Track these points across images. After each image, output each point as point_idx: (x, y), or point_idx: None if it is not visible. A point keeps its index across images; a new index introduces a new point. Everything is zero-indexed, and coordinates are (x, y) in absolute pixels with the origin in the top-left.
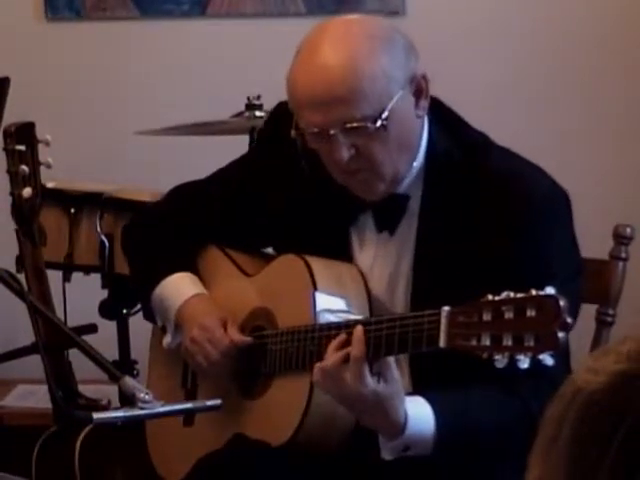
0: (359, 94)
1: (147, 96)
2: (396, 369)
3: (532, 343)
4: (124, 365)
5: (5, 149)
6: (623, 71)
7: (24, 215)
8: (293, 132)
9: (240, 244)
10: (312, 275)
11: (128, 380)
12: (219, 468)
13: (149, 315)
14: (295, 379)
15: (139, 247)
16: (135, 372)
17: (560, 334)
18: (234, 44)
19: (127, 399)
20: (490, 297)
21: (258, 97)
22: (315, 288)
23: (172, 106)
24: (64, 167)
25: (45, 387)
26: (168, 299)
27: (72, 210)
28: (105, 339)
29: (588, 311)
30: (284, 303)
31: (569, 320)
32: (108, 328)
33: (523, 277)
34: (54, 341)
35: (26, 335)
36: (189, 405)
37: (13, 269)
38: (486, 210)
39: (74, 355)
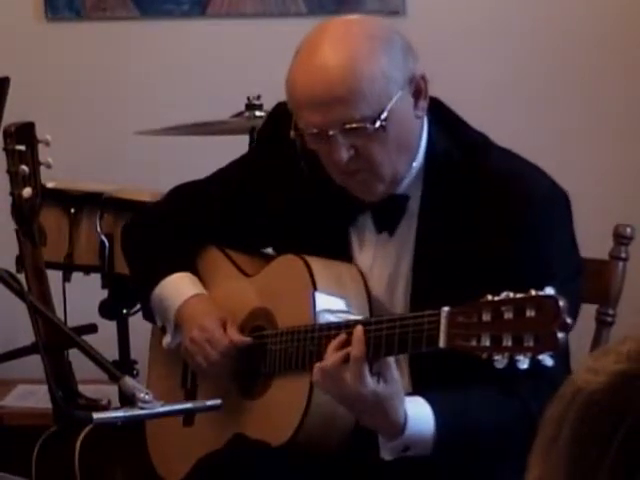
0: (358, 95)
1: (147, 96)
2: (396, 369)
3: (532, 343)
4: (124, 365)
5: (5, 149)
6: (623, 71)
7: (24, 215)
8: (292, 133)
9: (240, 244)
10: (312, 275)
11: (128, 380)
12: (219, 468)
13: (149, 315)
14: (295, 379)
15: (139, 247)
16: (135, 372)
17: (560, 334)
18: (234, 44)
19: (127, 399)
20: (490, 297)
21: (258, 97)
22: (315, 288)
23: (172, 106)
24: (64, 167)
25: (45, 387)
26: (168, 299)
27: (72, 210)
28: (105, 339)
29: (588, 311)
30: (284, 303)
31: (569, 320)
32: (108, 328)
33: (523, 277)
34: (54, 341)
35: (26, 335)
36: (189, 405)
37: (13, 269)
38: (486, 210)
39: (74, 355)
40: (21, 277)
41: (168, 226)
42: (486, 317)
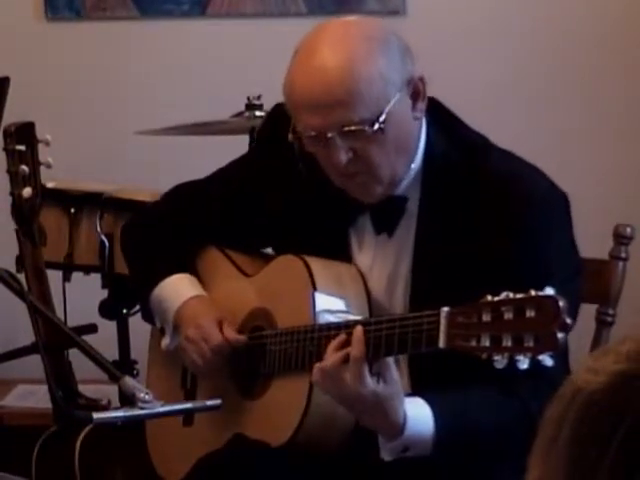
0: (357, 97)
1: (147, 96)
2: (396, 370)
3: (531, 344)
4: (124, 365)
5: (5, 149)
6: (623, 71)
7: (24, 215)
8: (290, 136)
9: (239, 244)
10: (311, 275)
11: (128, 380)
12: (219, 468)
13: (148, 316)
14: (295, 379)
15: (138, 247)
16: (135, 372)
17: (559, 335)
18: (234, 44)
19: (127, 399)
20: (489, 298)
21: (258, 97)
22: (314, 288)
23: (172, 106)
24: (64, 167)
25: (45, 387)
26: (167, 300)
27: (72, 210)
28: (105, 339)
29: (588, 311)
30: (283, 303)
31: (568, 321)
32: (108, 328)
33: (522, 278)
34: (54, 341)
35: (26, 335)
36: (189, 405)
37: (13, 269)
38: (485, 211)
39: (74, 355)
40: (21, 277)
41: (167, 226)
42: (486, 317)
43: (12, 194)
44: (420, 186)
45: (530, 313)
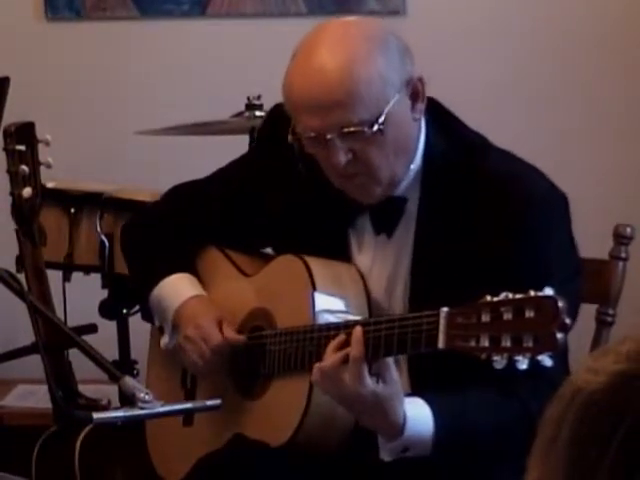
0: (356, 98)
1: (147, 96)
2: (395, 370)
3: (531, 344)
4: (124, 365)
5: (5, 149)
6: (623, 71)
7: (24, 215)
8: (290, 137)
9: (239, 244)
10: (311, 275)
11: (128, 380)
12: (219, 468)
13: (147, 315)
14: (294, 380)
15: (137, 247)
16: (135, 372)
17: (559, 335)
18: (234, 44)
19: (127, 399)
20: (489, 298)
21: (258, 97)
22: (314, 288)
23: (172, 106)
24: (64, 167)
25: (45, 387)
26: (166, 300)
27: (72, 210)
28: (105, 339)
29: (588, 311)
30: (283, 303)
31: (568, 321)
32: (108, 328)
33: (521, 278)
34: (54, 341)
35: (26, 335)
36: (189, 405)
37: (13, 269)
38: (484, 211)
39: (74, 355)
40: (21, 277)
41: (167, 226)
42: (485, 318)
43: (12, 194)
44: (419, 187)
45: (529, 313)
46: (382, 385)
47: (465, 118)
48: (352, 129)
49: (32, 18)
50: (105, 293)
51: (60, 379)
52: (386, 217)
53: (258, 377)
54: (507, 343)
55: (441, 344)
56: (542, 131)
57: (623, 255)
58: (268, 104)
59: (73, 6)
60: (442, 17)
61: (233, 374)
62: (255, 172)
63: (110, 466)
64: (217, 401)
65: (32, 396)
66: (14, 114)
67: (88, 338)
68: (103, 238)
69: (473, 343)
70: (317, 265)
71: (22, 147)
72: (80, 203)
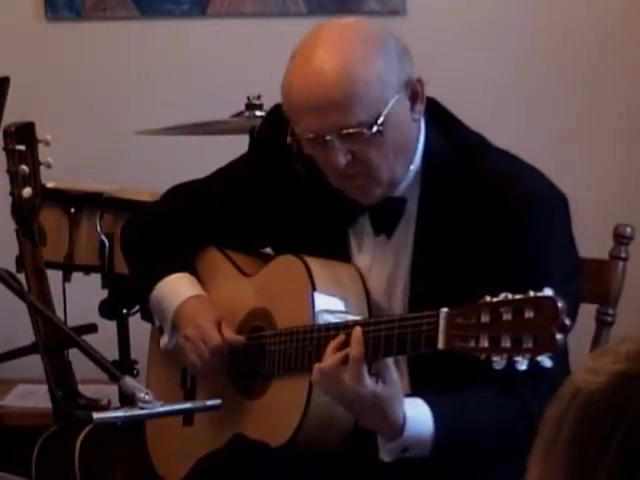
0: (355, 99)
1: (147, 96)
2: (395, 370)
3: (530, 345)
4: (124, 365)
5: (5, 149)
6: (623, 71)
7: (24, 215)
8: (289, 138)
9: (239, 244)
10: (311, 275)
11: (128, 380)
12: (219, 468)
13: (147, 315)
14: (294, 380)
15: (137, 247)
16: (135, 372)
17: (558, 336)
18: (234, 44)
19: (127, 399)
20: (488, 299)
21: (258, 97)
22: (314, 288)
23: (172, 106)
24: (64, 167)
25: (45, 387)
26: (166, 300)
27: (72, 210)
28: (105, 339)
29: (588, 311)
30: (283, 303)
31: (567, 322)
32: (108, 328)
33: (521, 278)
34: (54, 341)
35: (26, 335)
36: (189, 405)
37: (13, 269)
38: (484, 212)
39: (74, 355)
40: (21, 277)
41: (167, 226)
42: (485, 318)
43: (12, 194)
44: (419, 187)
45: (529, 314)
46: (382, 385)
47: (465, 118)
48: (351, 130)
49: (32, 18)
50: (105, 293)
51: (60, 379)
52: (386, 217)
53: (258, 377)
54: (507, 344)
55: (441, 344)
56: (542, 131)
57: (623, 255)
58: (268, 104)
59: (73, 6)
60: (442, 17)
61: (233, 374)
62: (255, 172)
63: (110, 466)
64: (217, 401)
65: (32, 396)
66: (14, 114)
67: (88, 338)
68: (103, 238)
69: (473, 343)
70: (317, 265)
71: (22, 147)
72: (80, 203)
